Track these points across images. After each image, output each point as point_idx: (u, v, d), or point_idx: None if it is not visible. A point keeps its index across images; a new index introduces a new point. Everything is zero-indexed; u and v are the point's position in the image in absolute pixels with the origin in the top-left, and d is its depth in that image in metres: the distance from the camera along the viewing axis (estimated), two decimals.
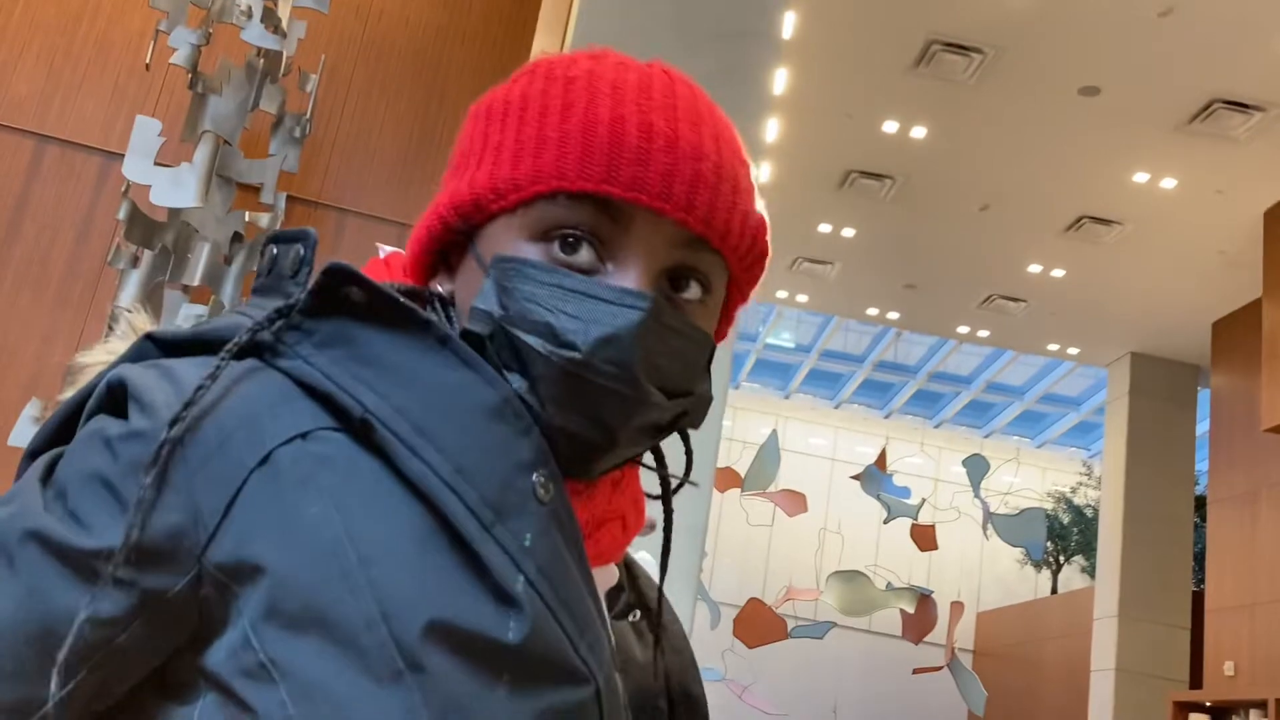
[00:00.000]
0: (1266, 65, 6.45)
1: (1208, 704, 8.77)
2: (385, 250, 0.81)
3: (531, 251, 0.69)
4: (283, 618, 0.58)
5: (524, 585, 0.61)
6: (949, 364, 15.40)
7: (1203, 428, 10.73)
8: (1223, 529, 9.31)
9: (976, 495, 6.20)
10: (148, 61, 3.25)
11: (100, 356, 0.73)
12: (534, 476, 0.64)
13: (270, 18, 3.29)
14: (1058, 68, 6.82)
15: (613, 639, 0.70)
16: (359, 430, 0.62)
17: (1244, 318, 9.13)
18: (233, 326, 0.67)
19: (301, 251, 0.69)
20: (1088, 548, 14.30)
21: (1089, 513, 14.64)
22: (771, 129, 7.65)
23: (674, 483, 0.80)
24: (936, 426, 17.69)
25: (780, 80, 7.33)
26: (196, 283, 3.21)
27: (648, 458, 0.78)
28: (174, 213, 3.21)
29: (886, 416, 17.50)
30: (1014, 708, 13.04)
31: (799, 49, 7.03)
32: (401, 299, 0.65)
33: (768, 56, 7.12)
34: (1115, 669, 10.04)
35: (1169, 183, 7.83)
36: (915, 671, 6.18)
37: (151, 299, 3.14)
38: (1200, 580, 10.40)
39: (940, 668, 5.54)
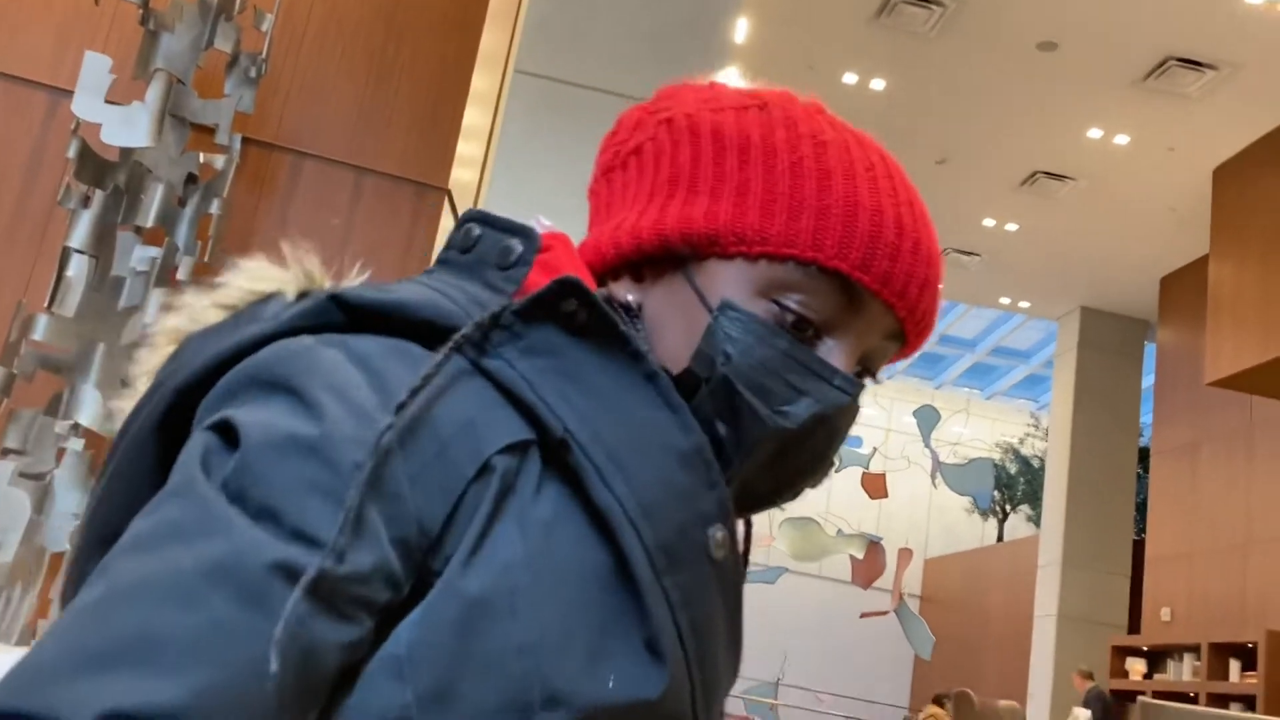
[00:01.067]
0: (1221, 23, 6.51)
1: (1144, 648, 9.05)
2: (544, 224, 0.75)
3: (759, 308, 0.69)
4: (444, 624, 0.56)
5: (673, 639, 0.60)
6: None
7: (1148, 381, 10.95)
8: (1164, 480, 9.54)
9: (927, 445, 6.31)
10: None
11: (259, 285, 0.67)
12: (710, 531, 0.63)
13: None
14: (1017, 22, 6.85)
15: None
16: (554, 448, 0.61)
17: (1191, 274, 9.30)
18: (434, 307, 0.63)
19: (519, 249, 0.68)
20: (1034, 497, 14.60)
21: (1035, 463, 14.93)
22: (731, 79, 7.62)
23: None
24: (889, 378, 17.88)
25: (741, 30, 7.30)
26: (150, 224, 3.16)
27: None
28: (126, 152, 3.16)
29: None
30: (959, 652, 13.36)
31: None
32: (622, 326, 0.64)
33: (728, 6, 7.08)
34: (1057, 615, 10.31)
35: (1122, 139, 7.92)
36: (862, 616, 6.31)
37: (103, 240, 3.10)
38: (1142, 530, 10.67)
39: (887, 612, 5.66)
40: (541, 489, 0.60)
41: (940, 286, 0.75)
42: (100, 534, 0.61)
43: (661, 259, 0.72)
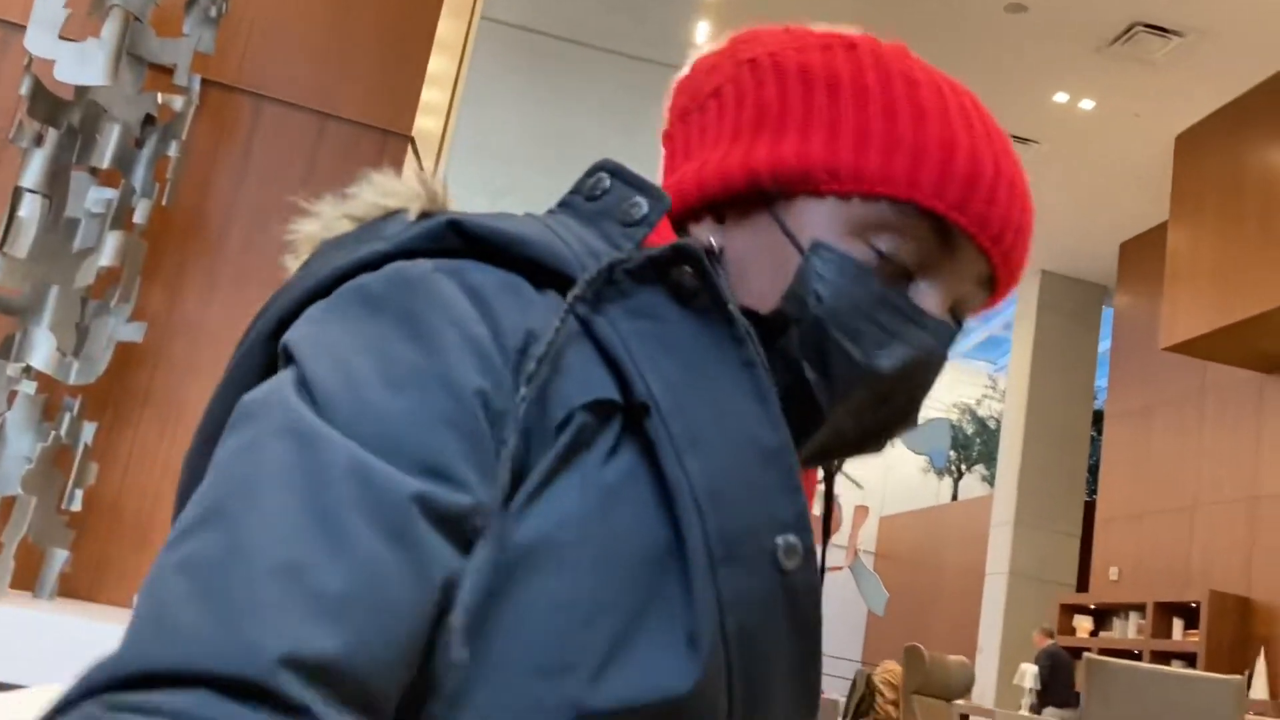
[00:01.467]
0: None
1: (1092, 606, 9.24)
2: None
3: (853, 248, 0.67)
4: (490, 567, 0.54)
5: (715, 634, 0.56)
6: None
7: (1105, 345, 11.10)
8: (1117, 442, 9.70)
9: None
10: None
11: (379, 200, 0.66)
12: (781, 538, 0.59)
13: None
14: None
15: None
16: (635, 412, 0.59)
17: (1150, 240, 9.40)
18: (544, 243, 0.62)
19: (645, 209, 0.65)
20: (989, 458, 14.79)
21: (992, 424, 15.12)
22: (701, 31, 7.57)
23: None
24: None
25: None
26: (106, 165, 3.10)
27: None
28: (81, 91, 3.09)
29: None
30: (912, 607, 13.57)
31: None
32: (730, 302, 0.62)
33: None
34: (1008, 573, 10.50)
35: (1087, 104, 7.96)
36: None
37: (58, 180, 3.03)
38: (1093, 491, 10.86)
39: (842, 568, 5.73)
40: (616, 454, 0.58)
41: (1030, 232, 0.73)
42: (211, 434, 0.59)
43: (747, 199, 0.70)
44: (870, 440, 0.72)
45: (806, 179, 0.68)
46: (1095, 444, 11.20)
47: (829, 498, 0.79)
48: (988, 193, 0.68)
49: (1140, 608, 8.48)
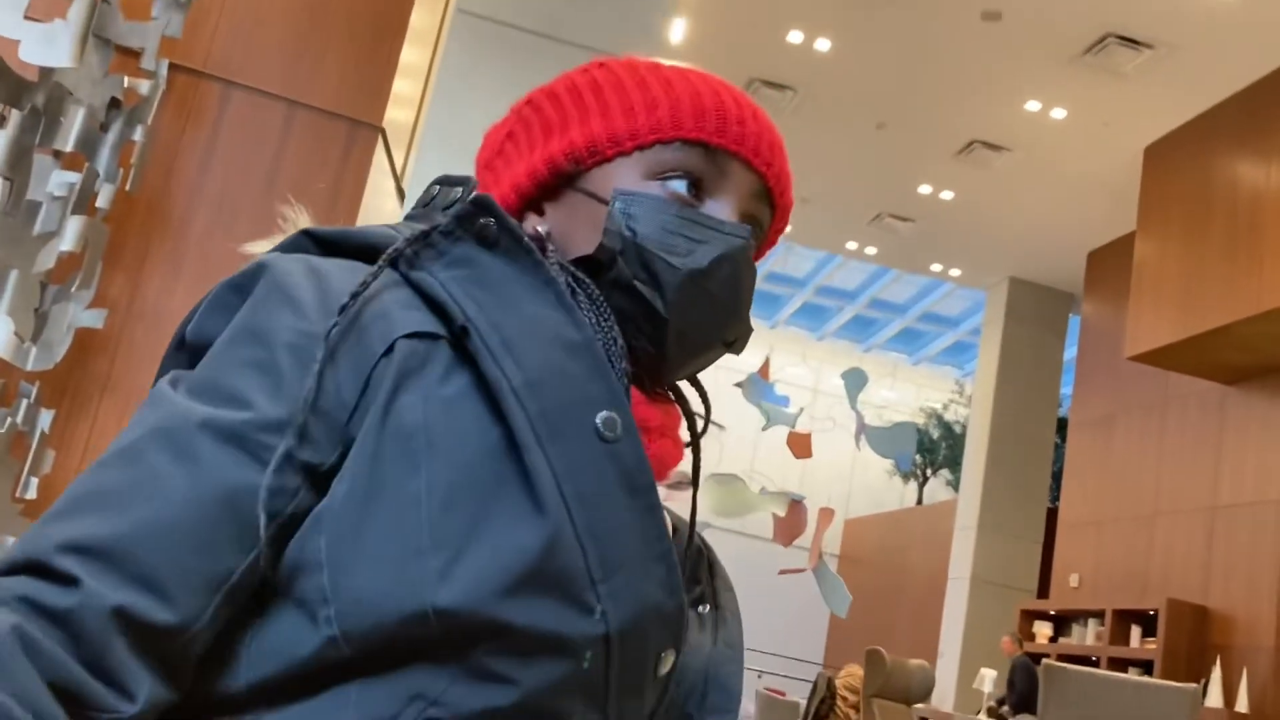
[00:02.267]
0: (1160, 4, 6.60)
1: (1052, 612, 9.32)
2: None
3: (648, 187, 0.82)
4: (353, 484, 0.67)
5: (556, 500, 0.66)
6: (835, 279, 15.66)
7: (1071, 354, 11.19)
8: (1080, 450, 9.79)
9: (853, 407, 6.37)
10: None
11: (265, 247, 0.82)
12: (601, 413, 0.70)
13: None
14: None
15: (685, 609, 0.73)
16: (459, 337, 0.71)
17: (1118, 250, 9.48)
18: (383, 236, 0.79)
19: (459, 192, 0.83)
20: (954, 462, 14.89)
21: (958, 429, 15.22)
22: (678, 29, 7.56)
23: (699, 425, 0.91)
24: (819, 339, 18.05)
25: None
26: (70, 148, 3.05)
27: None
28: (45, 72, 3.04)
29: (773, 327, 17.78)
30: (875, 610, 13.65)
31: None
32: (525, 237, 0.75)
33: None
34: (970, 578, 10.57)
35: (1059, 113, 8.01)
36: (781, 572, 6.40)
37: (20, 163, 2.98)
38: (1056, 498, 10.95)
39: (805, 570, 5.74)
40: (450, 375, 0.70)
41: (786, 154, 0.89)
42: None
43: (555, 186, 0.85)
44: (714, 337, 0.83)
45: (594, 151, 0.84)
46: (1059, 451, 11.30)
47: (691, 422, 0.90)
48: (735, 120, 0.84)
49: (1099, 614, 8.56)
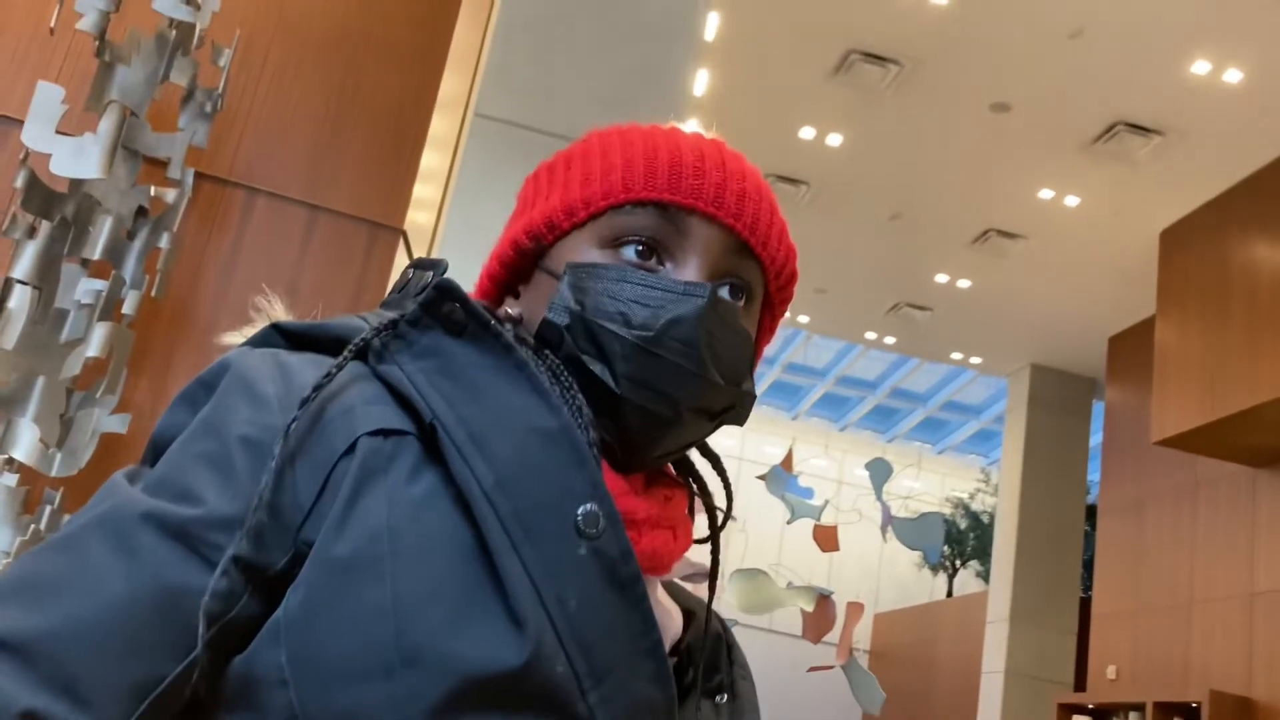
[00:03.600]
0: (1168, 91, 6.68)
1: (1090, 706, 9.07)
2: None
3: (601, 257, 0.78)
4: (309, 594, 0.62)
5: (535, 609, 0.62)
6: (856, 369, 15.65)
7: (1096, 439, 11.08)
8: (1111, 538, 9.62)
9: (879, 498, 6.30)
10: (52, 25, 3.14)
11: (238, 339, 0.80)
12: (582, 508, 0.66)
13: None
14: (971, 83, 6.98)
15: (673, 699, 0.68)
16: (428, 435, 0.67)
17: (1138, 334, 9.45)
18: (351, 329, 0.75)
19: (430, 276, 0.76)
20: (983, 553, 14.66)
21: (985, 519, 15.01)
22: (691, 130, 7.68)
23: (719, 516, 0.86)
24: (842, 430, 17.96)
25: (701, 82, 7.38)
26: (97, 257, 3.11)
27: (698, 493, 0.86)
28: (75, 183, 3.11)
29: (794, 419, 17.72)
30: (907, 707, 13.32)
31: (720, 51, 7.08)
32: (493, 322, 0.72)
33: (689, 57, 7.16)
34: (1005, 671, 10.32)
35: (1072, 200, 8.07)
36: (810, 670, 6.27)
37: (49, 272, 3.03)
38: (1089, 587, 10.73)
39: (832, 666, 5.63)
40: (419, 474, 0.66)
41: (773, 203, 0.82)
42: None
43: (522, 267, 0.83)
44: (675, 409, 0.75)
45: (551, 226, 0.80)
46: (1089, 539, 11.11)
47: (710, 508, 0.85)
48: (692, 173, 0.78)
49: (1140, 707, 8.32)
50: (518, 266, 0.83)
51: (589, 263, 0.77)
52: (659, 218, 0.78)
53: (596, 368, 0.73)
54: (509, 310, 0.82)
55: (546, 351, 0.76)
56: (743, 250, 0.80)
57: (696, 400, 0.75)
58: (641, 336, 0.73)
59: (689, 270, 0.77)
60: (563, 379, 0.74)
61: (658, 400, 0.74)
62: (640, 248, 0.77)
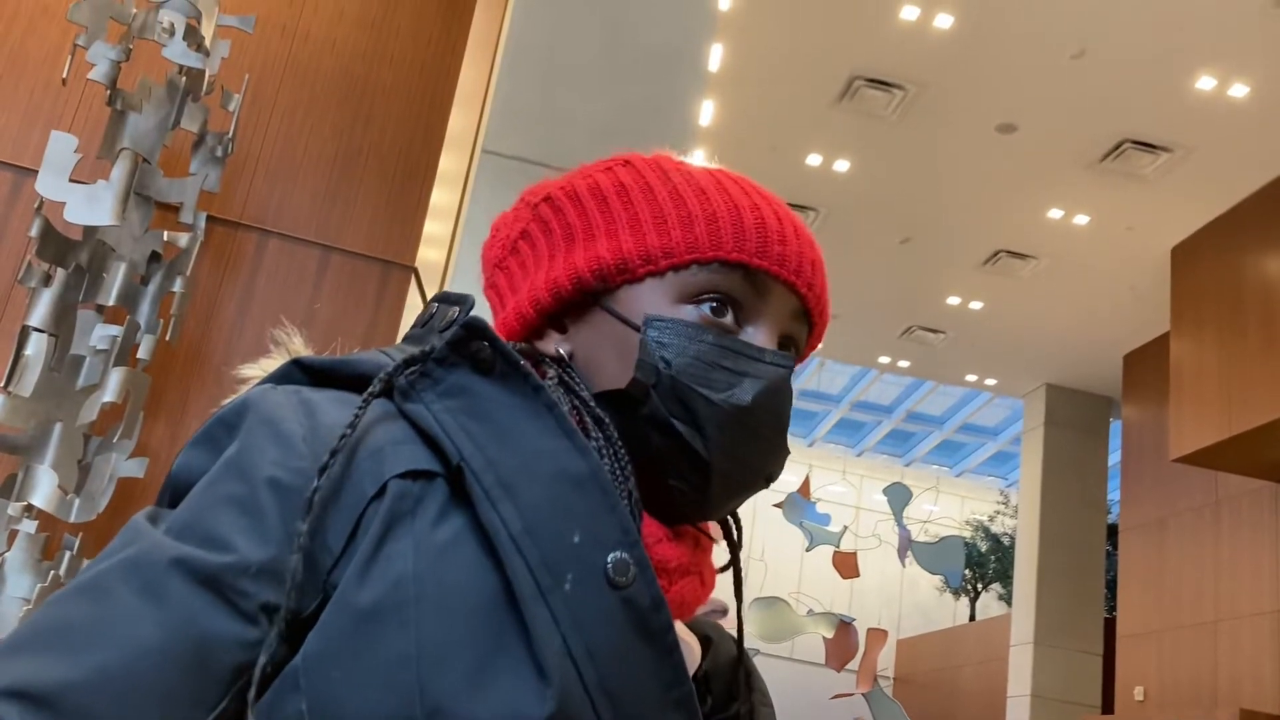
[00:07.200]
0: (1173, 108, 6.69)
1: None
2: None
3: (682, 312, 0.76)
4: (328, 641, 0.60)
5: (562, 659, 0.60)
6: (870, 393, 15.61)
7: (1115, 458, 11.01)
8: (1133, 556, 9.54)
9: (898, 523, 6.27)
10: (64, 76, 3.18)
11: (257, 371, 0.79)
12: (611, 555, 0.64)
13: (193, 35, 3.24)
14: (977, 106, 7.00)
15: None
16: (454, 475, 0.66)
17: (1153, 351, 9.41)
18: (375, 364, 0.72)
19: (456, 312, 0.74)
20: (1005, 575, 14.55)
21: (1006, 541, 14.91)
22: (696, 160, 7.72)
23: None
24: (858, 455, 17.90)
25: (706, 111, 7.42)
26: (111, 302, 3.13)
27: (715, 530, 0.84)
28: (89, 231, 3.14)
29: (810, 445, 17.67)
30: None
31: (726, 81, 7.12)
32: (522, 362, 0.70)
33: (694, 88, 7.21)
34: (1031, 694, 10.21)
35: (1082, 219, 8.06)
36: (833, 698, 6.21)
37: (64, 319, 3.06)
38: (1112, 607, 10.63)
39: (854, 694, 5.58)
40: (446, 517, 0.65)
41: (824, 269, 0.84)
42: None
43: (579, 303, 0.79)
44: (755, 477, 0.77)
45: (624, 269, 0.78)
46: (1111, 558, 11.02)
47: (733, 549, 0.85)
48: (778, 237, 0.78)
49: None
50: (571, 301, 0.79)
51: (674, 318, 0.76)
52: (743, 280, 0.77)
53: (686, 432, 0.73)
54: (559, 347, 0.79)
55: (581, 392, 0.75)
56: (803, 316, 0.81)
57: (776, 470, 0.78)
58: (736, 405, 0.73)
59: (762, 334, 0.78)
60: (605, 428, 0.73)
61: (743, 468, 0.75)
62: (716, 304, 0.76)
